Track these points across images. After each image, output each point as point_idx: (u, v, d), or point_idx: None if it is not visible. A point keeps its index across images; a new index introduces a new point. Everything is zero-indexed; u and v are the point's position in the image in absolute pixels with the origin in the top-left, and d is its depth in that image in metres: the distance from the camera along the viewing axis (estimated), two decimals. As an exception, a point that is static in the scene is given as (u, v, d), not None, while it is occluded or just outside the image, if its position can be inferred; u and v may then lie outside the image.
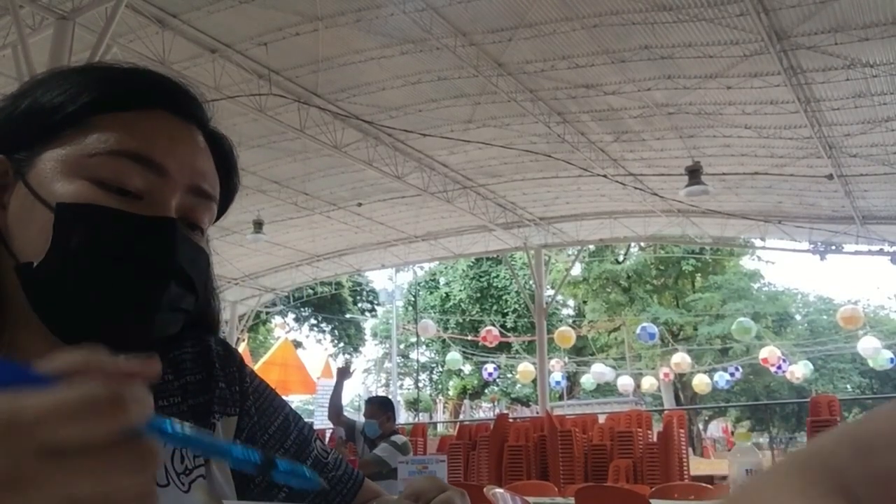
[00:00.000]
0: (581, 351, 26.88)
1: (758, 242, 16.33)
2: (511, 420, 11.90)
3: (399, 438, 4.96)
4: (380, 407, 5.10)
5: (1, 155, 0.61)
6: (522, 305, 25.04)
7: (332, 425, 5.80)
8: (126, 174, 0.59)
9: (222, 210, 0.70)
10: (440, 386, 31.56)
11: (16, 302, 0.58)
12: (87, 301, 0.57)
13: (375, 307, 31.65)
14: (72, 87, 0.62)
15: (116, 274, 0.57)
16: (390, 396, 29.28)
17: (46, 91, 0.62)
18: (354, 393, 37.33)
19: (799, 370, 20.99)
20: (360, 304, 30.42)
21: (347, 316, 29.24)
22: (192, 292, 0.62)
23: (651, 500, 3.68)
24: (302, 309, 27.18)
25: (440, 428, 24.10)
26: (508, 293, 27.40)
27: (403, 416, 30.47)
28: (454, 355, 25.24)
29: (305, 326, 29.20)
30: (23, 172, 0.60)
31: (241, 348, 16.75)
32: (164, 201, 0.61)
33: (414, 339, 29.14)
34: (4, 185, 0.61)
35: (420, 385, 31.26)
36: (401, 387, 33.59)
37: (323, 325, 29.18)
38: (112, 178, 0.59)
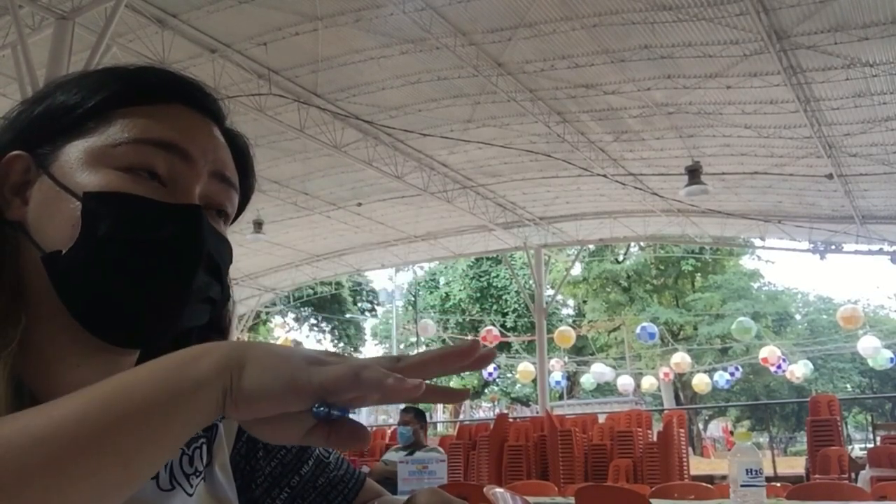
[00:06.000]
0: (581, 351, 26.89)
1: (758, 242, 16.34)
2: (511, 420, 11.91)
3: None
4: (415, 416, 5.23)
5: (22, 152, 0.61)
6: (522, 305, 25.04)
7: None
8: (151, 161, 0.60)
9: (239, 211, 0.70)
10: (440, 386, 31.55)
11: (38, 294, 0.58)
12: (116, 288, 0.57)
13: (375, 307, 31.66)
14: (91, 84, 0.63)
15: (145, 261, 0.57)
16: (390, 396, 29.30)
17: (66, 91, 0.63)
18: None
19: (799, 370, 21.00)
20: (360, 304, 30.43)
21: (347, 316, 29.25)
22: (218, 281, 0.63)
23: (651, 500, 3.68)
24: (302, 309, 27.18)
25: (440, 428, 24.11)
26: (508, 293, 27.40)
27: (403, 416, 30.43)
28: (454, 355, 25.20)
29: (305, 326, 29.24)
30: (46, 165, 0.61)
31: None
32: (189, 188, 0.61)
33: (414, 339, 29.13)
34: (26, 181, 0.61)
35: (420, 385, 31.23)
36: (401, 387, 33.50)
37: (323, 324, 29.19)
38: (137, 166, 0.60)
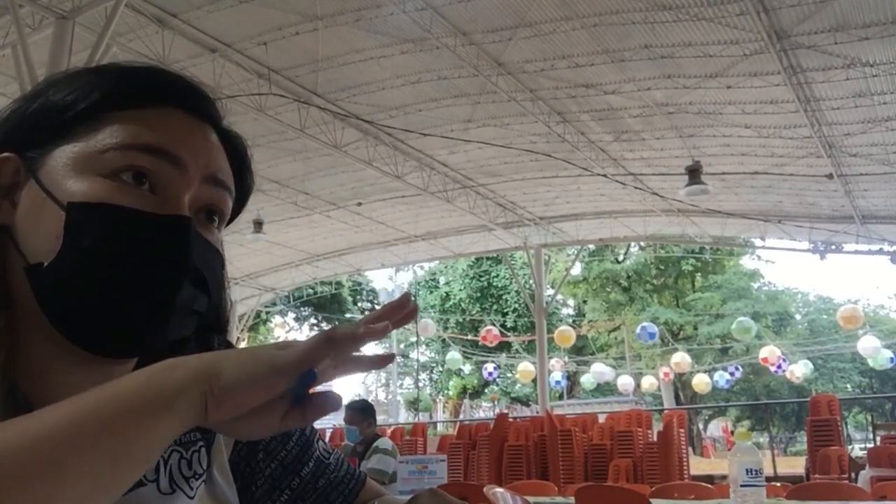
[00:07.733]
0: (581, 350, 26.89)
1: (758, 242, 16.34)
2: (511, 420, 11.91)
3: (386, 443, 4.96)
4: (360, 412, 5.05)
5: (12, 154, 0.60)
6: (522, 305, 25.04)
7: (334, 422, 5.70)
8: (139, 168, 0.58)
9: (236, 211, 0.69)
10: (440, 385, 31.57)
11: (25, 301, 0.57)
12: (99, 302, 0.56)
13: (375, 307, 31.58)
14: (84, 84, 0.61)
15: (129, 274, 0.56)
16: (390, 396, 29.06)
17: (58, 90, 0.61)
18: (354, 392, 37.36)
19: (799, 370, 20.99)
20: (360, 304, 30.42)
21: (347, 315, 29.23)
22: (205, 294, 0.61)
23: (651, 500, 3.67)
24: (302, 308, 27.19)
25: (440, 427, 24.11)
26: (508, 293, 27.40)
27: (403, 416, 30.50)
28: (454, 355, 25.24)
29: (305, 326, 29.22)
30: (34, 169, 0.59)
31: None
32: (179, 197, 0.59)
33: (414, 339, 29.13)
34: (16, 182, 0.60)
35: (420, 385, 31.26)
36: (401, 386, 33.61)
37: (323, 324, 29.16)
38: (125, 172, 0.58)
